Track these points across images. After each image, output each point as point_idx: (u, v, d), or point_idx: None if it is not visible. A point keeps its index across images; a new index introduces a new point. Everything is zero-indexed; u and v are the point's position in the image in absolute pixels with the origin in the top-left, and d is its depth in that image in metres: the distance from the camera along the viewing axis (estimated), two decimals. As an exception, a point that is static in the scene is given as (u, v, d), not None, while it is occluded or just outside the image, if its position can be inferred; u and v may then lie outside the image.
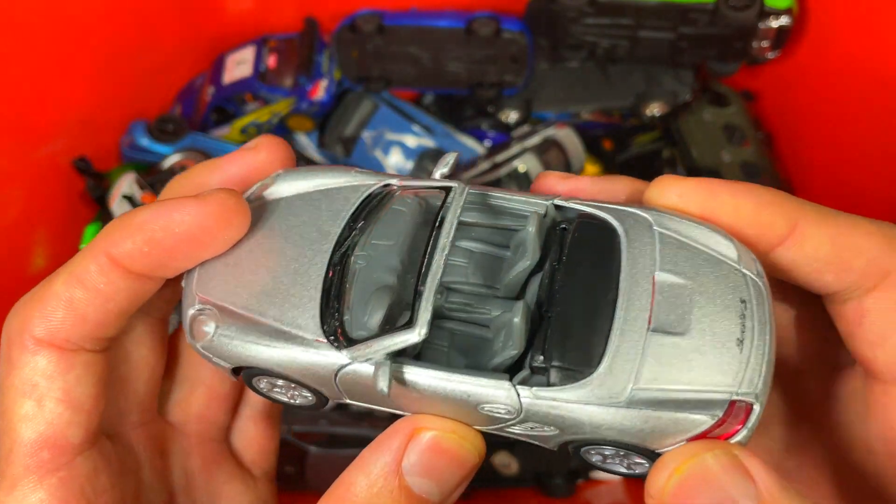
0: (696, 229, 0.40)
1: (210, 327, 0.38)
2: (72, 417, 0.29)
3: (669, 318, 0.37)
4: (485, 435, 0.41)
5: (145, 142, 1.27)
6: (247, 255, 0.40)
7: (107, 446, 0.31)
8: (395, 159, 1.31)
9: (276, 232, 0.41)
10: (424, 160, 1.31)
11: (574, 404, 0.36)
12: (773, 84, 1.24)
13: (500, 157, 1.25)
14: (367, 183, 0.44)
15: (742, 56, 1.14)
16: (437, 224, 0.40)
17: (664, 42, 1.13)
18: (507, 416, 0.38)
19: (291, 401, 0.42)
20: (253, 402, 0.42)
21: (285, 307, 0.38)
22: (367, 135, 1.31)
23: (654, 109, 1.22)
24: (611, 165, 1.34)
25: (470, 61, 1.21)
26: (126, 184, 1.21)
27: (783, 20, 1.07)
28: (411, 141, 1.31)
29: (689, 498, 0.29)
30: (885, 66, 0.97)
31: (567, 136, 1.25)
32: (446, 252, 0.38)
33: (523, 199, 0.43)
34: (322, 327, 0.37)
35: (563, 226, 0.43)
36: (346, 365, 0.37)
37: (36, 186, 1.15)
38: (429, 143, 1.31)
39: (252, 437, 0.41)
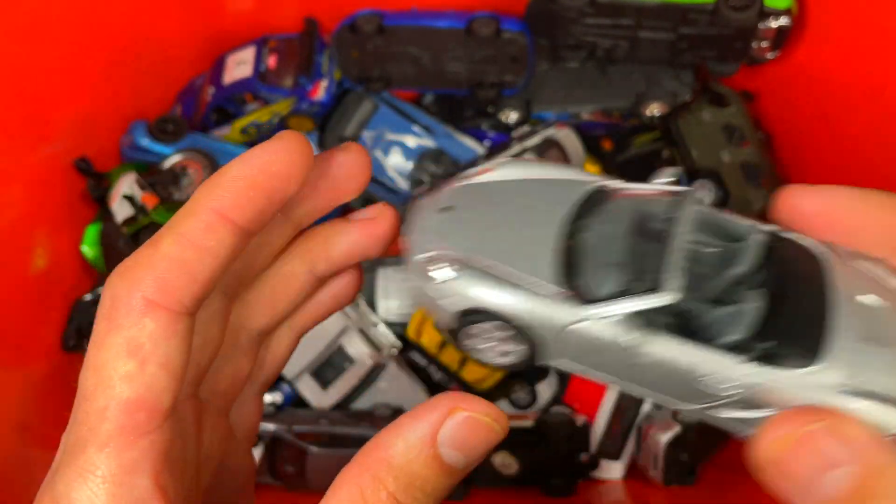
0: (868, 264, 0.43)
1: (445, 271, 0.41)
2: (168, 383, 0.30)
3: (876, 331, 0.40)
4: None
5: (145, 142, 1.27)
6: (476, 217, 0.43)
7: (178, 415, 0.32)
8: (395, 159, 1.31)
9: (504, 205, 0.44)
10: (424, 160, 1.31)
11: (797, 389, 0.39)
12: (772, 84, 1.25)
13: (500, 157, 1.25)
14: (589, 179, 0.47)
15: (742, 56, 1.14)
16: (669, 219, 0.43)
17: (664, 42, 1.13)
18: (729, 393, 0.41)
19: (493, 358, 0.44)
20: (256, 379, 0.42)
21: (525, 262, 0.41)
22: (367, 135, 1.32)
23: (654, 110, 1.22)
24: (610, 165, 1.35)
25: (470, 61, 1.21)
26: (126, 184, 1.21)
27: (783, 21, 1.07)
28: (411, 141, 1.31)
29: (793, 464, 0.32)
30: (884, 66, 0.97)
31: (567, 137, 1.25)
32: (686, 234, 0.41)
33: (747, 223, 0.45)
34: (563, 282, 0.41)
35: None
36: (581, 320, 0.40)
37: (36, 186, 1.15)
38: (429, 143, 1.31)
39: (250, 411, 0.42)
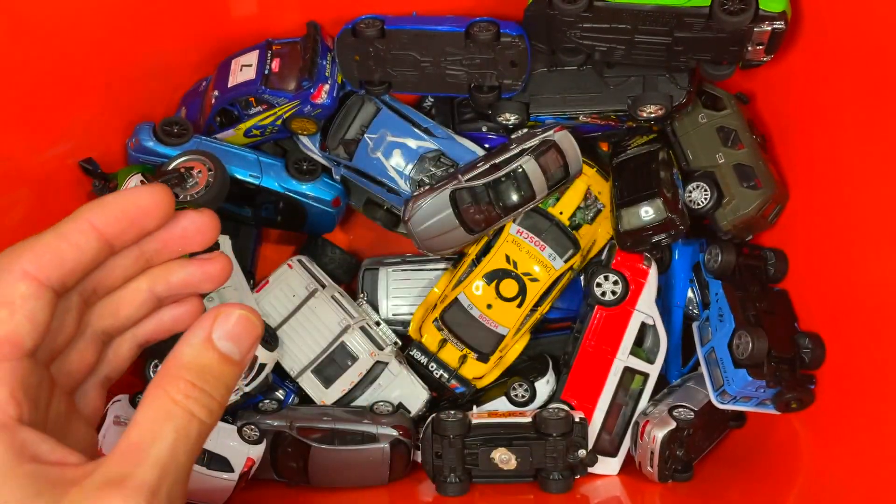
0: None
1: None
2: (30, 331, 0.38)
3: None
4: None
5: (151, 144, 1.29)
6: None
7: (34, 367, 0.40)
8: (395, 161, 1.33)
9: None
10: (425, 162, 1.33)
11: None
12: (767, 87, 1.25)
13: (498, 160, 1.26)
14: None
15: (737, 60, 1.15)
16: None
17: (660, 46, 1.14)
18: None
19: None
20: (100, 372, 0.49)
21: None
22: (368, 137, 1.33)
23: (650, 112, 1.23)
24: (608, 167, 1.36)
25: (469, 65, 1.23)
26: (132, 185, 1.23)
27: (777, 24, 1.08)
28: (412, 143, 1.33)
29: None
30: (877, 68, 0.98)
31: (564, 139, 1.26)
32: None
33: None
34: None
35: None
36: None
37: (43, 187, 1.17)
38: (429, 145, 1.32)
39: (93, 398, 0.48)
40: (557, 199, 1.32)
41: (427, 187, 1.30)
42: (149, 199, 0.44)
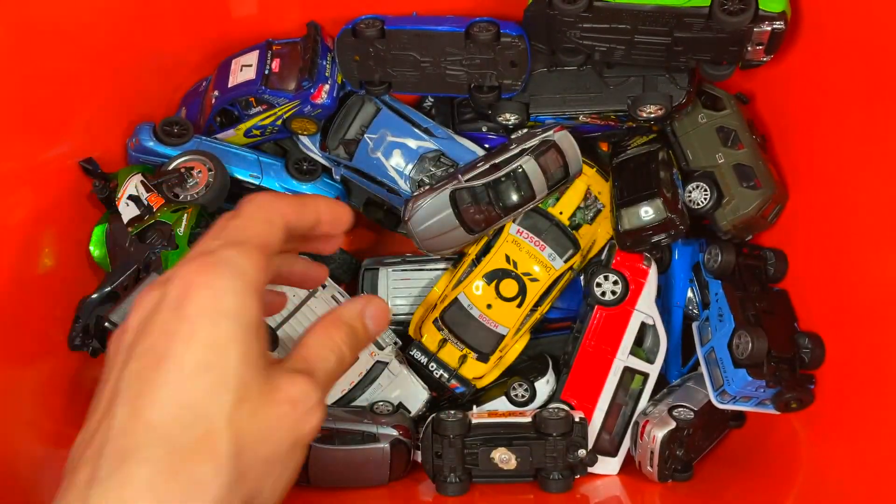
0: None
1: None
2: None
3: None
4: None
5: (151, 144, 1.29)
6: None
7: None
8: (395, 161, 1.33)
9: None
10: (425, 162, 1.33)
11: None
12: (767, 87, 1.26)
13: (498, 160, 1.27)
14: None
15: (736, 60, 1.15)
16: None
17: (660, 46, 1.14)
18: None
19: None
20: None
21: None
22: (368, 137, 1.33)
23: (650, 112, 1.23)
24: (607, 167, 1.36)
25: (470, 65, 1.23)
26: (132, 185, 1.23)
27: (777, 24, 1.08)
28: (412, 143, 1.33)
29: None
30: (877, 68, 0.98)
31: (564, 139, 1.26)
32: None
33: None
34: None
35: None
36: None
37: (43, 187, 1.17)
38: (429, 145, 1.33)
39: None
40: (557, 199, 1.32)
41: (427, 187, 1.30)
42: (339, 214, 0.50)
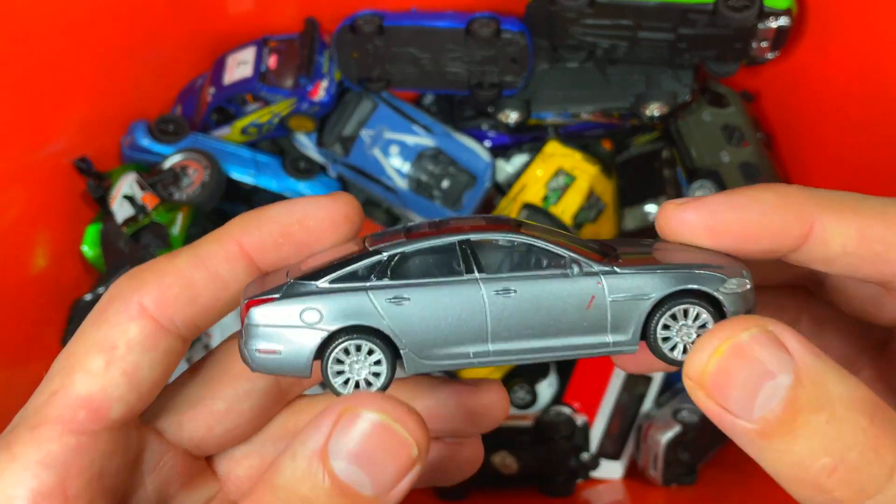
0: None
1: None
2: (125, 394, 0.29)
3: None
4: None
5: (146, 142, 1.27)
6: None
7: (128, 435, 0.30)
8: (393, 158, 1.31)
9: None
10: (423, 160, 1.32)
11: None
12: (772, 85, 1.25)
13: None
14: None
15: (741, 57, 1.14)
16: None
17: (663, 43, 1.13)
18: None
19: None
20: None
21: None
22: (365, 134, 1.32)
23: (654, 110, 1.22)
24: (610, 166, 1.35)
25: (470, 62, 1.21)
26: (127, 184, 1.21)
27: (782, 21, 1.07)
28: (410, 140, 1.32)
29: (729, 376, 0.30)
30: (885, 66, 0.97)
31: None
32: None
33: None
34: None
35: None
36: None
37: (36, 187, 1.15)
38: (428, 142, 1.31)
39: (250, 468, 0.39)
40: (559, 199, 1.31)
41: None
42: (323, 215, 0.33)
